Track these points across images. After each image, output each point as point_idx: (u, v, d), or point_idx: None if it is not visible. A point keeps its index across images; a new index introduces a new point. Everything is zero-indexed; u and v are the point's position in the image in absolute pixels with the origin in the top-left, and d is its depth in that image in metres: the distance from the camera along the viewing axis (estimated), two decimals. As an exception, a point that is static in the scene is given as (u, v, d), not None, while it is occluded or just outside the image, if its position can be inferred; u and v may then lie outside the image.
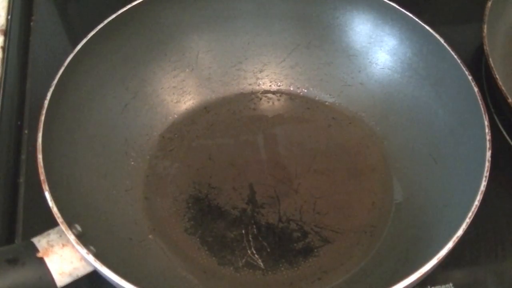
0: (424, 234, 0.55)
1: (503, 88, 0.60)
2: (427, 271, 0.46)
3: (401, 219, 0.58)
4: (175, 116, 0.65)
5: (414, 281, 0.46)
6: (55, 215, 0.47)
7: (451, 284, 0.57)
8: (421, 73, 0.62)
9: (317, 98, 0.68)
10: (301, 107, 0.67)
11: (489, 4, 0.66)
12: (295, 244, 0.58)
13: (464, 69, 0.57)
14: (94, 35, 0.58)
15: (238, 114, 0.66)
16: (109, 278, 0.45)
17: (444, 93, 0.60)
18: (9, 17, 0.72)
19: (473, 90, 0.56)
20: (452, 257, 0.48)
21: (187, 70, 0.66)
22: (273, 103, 0.67)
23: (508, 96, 0.60)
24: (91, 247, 0.47)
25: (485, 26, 0.64)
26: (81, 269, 0.48)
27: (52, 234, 0.49)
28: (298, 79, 0.68)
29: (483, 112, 0.55)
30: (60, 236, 0.48)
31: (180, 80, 0.66)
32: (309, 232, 0.58)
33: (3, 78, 0.66)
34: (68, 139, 0.55)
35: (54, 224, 0.47)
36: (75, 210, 0.51)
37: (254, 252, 0.57)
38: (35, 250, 0.47)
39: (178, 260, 0.56)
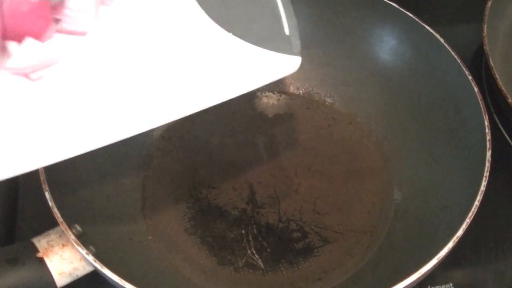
0: (424, 234, 0.55)
1: (503, 88, 0.60)
2: (427, 271, 0.46)
3: (401, 219, 0.58)
4: (175, 116, 0.65)
5: (414, 281, 0.46)
6: (55, 215, 0.47)
7: (451, 284, 0.57)
8: (421, 73, 0.62)
9: (317, 98, 0.68)
10: (301, 107, 0.67)
11: (489, 4, 0.66)
12: (295, 244, 0.58)
13: (464, 69, 0.58)
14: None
15: (238, 114, 0.66)
16: (109, 278, 0.45)
17: (444, 93, 0.60)
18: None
19: (473, 90, 0.56)
20: (452, 257, 0.48)
21: (187, 70, 0.66)
22: (273, 103, 0.67)
23: (508, 96, 0.60)
24: (91, 247, 0.47)
25: (485, 26, 0.64)
26: (81, 269, 0.48)
27: (52, 234, 0.49)
28: (298, 79, 0.68)
29: (483, 112, 0.55)
30: (60, 236, 0.48)
31: (180, 80, 0.66)
32: (309, 232, 0.58)
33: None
34: (68, 139, 0.55)
35: (54, 224, 0.47)
36: (75, 210, 0.51)
37: (254, 252, 0.57)
38: (35, 250, 0.47)
39: (178, 260, 0.56)
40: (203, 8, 0.47)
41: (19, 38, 0.44)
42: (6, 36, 0.44)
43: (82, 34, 0.46)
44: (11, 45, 0.44)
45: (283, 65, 0.47)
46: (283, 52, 0.47)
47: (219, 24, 0.47)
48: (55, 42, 0.45)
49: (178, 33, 0.47)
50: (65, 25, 0.46)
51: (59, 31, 0.46)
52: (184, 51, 0.46)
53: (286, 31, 0.48)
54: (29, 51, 0.44)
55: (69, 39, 0.45)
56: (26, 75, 0.43)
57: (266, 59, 0.47)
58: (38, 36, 0.45)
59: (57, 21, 0.46)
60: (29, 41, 0.44)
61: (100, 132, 0.43)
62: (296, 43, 0.48)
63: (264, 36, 0.47)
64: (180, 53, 0.46)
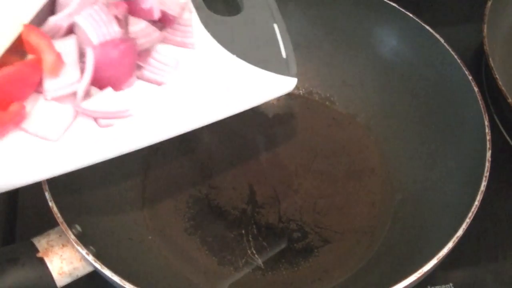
0: (424, 234, 0.55)
1: (503, 88, 0.60)
2: (427, 271, 0.46)
3: (401, 219, 0.58)
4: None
5: (414, 281, 0.46)
6: (55, 215, 0.47)
7: (451, 284, 0.57)
8: (421, 73, 0.62)
9: (317, 98, 0.68)
10: (301, 107, 0.67)
11: (489, 4, 0.66)
12: (295, 244, 0.58)
13: (464, 69, 0.58)
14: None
15: (238, 114, 0.66)
16: (109, 278, 0.45)
17: (444, 93, 0.60)
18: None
19: (473, 90, 0.56)
20: (452, 257, 0.48)
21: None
22: (273, 103, 0.67)
23: (508, 96, 0.60)
24: (91, 247, 0.47)
25: (485, 26, 0.64)
26: (81, 269, 0.48)
27: (52, 234, 0.49)
28: (298, 79, 0.68)
29: (483, 112, 0.55)
30: (60, 236, 0.48)
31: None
32: (309, 232, 0.58)
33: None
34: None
35: (54, 224, 0.47)
36: (75, 210, 0.51)
37: (254, 252, 0.57)
38: (35, 250, 0.47)
39: (178, 260, 0.56)
40: (211, 34, 0.51)
41: (101, 84, 0.45)
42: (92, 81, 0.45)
43: (160, 84, 0.48)
44: (93, 89, 0.45)
45: (281, 85, 0.52)
46: (280, 74, 0.52)
47: (225, 48, 0.51)
48: (132, 95, 0.47)
49: (192, 57, 0.50)
50: (146, 73, 0.47)
51: (139, 77, 0.47)
52: (196, 73, 0.49)
53: (283, 54, 0.53)
54: (105, 99, 0.45)
55: (145, 89, 0.47)
56: (95, 120, 0.45)
57: (266, 79, 0.51)
58: (121, 81, 0.46)
59: (139, 67, 0.47)
60: (108, 90, 0.45)
61: (116, 145, 0.45)
62: (292, 65, 0.53)
63: (264, 59, 0.52)
64: (193, 74, 0.49)
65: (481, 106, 0.55)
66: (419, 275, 0.46)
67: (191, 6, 0.51)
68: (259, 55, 0.52)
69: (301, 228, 0.58)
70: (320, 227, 0.59)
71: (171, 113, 0.47)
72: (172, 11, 0.49)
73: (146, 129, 0.46)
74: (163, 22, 0.50)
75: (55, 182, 0.49)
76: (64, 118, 0.44)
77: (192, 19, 0.51)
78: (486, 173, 0.51)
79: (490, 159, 0.52)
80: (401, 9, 0.62)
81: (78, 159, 0.44)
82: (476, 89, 0.56)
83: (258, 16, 0.54)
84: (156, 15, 0.48)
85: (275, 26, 0.54)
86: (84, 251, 0.46)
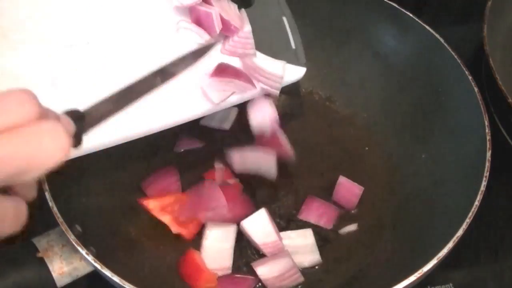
0: (424, 234, 0.55)
1: (503, 88, 0.60)
2: (427, 271, 0.46)
3: (401, 220, 0.58)
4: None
5: (414, 281, 0.46)
6: (55, 215, 0.47)
7: (451, 284, 0.57)
8: (421, 73, 0.62)
9: (317, 98, 0.68)
10: (301, 107, 0.67)
11: (489, 4, 0.66)
12: (295, 244, 0.57)
13: (464, 69, 0.58)
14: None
15: (238, 114, 0.66)
16: (109, 278, 0.45)
17: (444, 93, 0.60)
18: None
19: (473, 90, 0.56)
20: (452, 257, 0.48)
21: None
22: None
23: (508, 96, 0.60)
24: (91, 247, 0.47)
25: (485, 26, 0.64)
26: (81, 269, 0.48)
27: (52, 234, 0.49)
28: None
29: (483, 112, 0.55)
30: (60, 236, 0.48)
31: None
32: (309, 232, 0.58)
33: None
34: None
35: (54, 224, 0.47)
36: (75, 210, 0.51)
37: (254, 252, 0.57)
38: (35, 250, 0.47)
39: (178, 260, 0.56)
40: None
41: None
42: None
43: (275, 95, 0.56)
44: None
45: (291, 73, 0.56)
46: (290, 63, 0.56)
47: None
48: None
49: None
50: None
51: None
52: (214, 60, 0.54)
53: (292, 45, 0.57)
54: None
55: None
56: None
57: None
58: None
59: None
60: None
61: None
62: (301, 55, 0.57)
63: (275, 49, 0.56)
64: (212, 62, 0.54)
65: (481, 106, 0.55)
66: (419, 275, 0.46)
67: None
68: (270, 45, 0.56)
69: (301, 228, 0.58)
70: (320, 227, 0.59)
71: (193, 98, 0.51)
72: (235, 22, 0.53)
73: (172, 110, 0.50)
74: (225, 32, 0.53)
75: (55, 182, 0.49)
76: None
77: (251, 32, 0.55)
78: (486, 173, 0.51)
79: (490, 159, 0.52)
80: (401, 9, 0.62)
81: None
82: (476, 89, 0.56)
83: (268, 9, 0.58)
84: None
85: (284, 19, 0.58)
86: (84, 251, 0.46)
